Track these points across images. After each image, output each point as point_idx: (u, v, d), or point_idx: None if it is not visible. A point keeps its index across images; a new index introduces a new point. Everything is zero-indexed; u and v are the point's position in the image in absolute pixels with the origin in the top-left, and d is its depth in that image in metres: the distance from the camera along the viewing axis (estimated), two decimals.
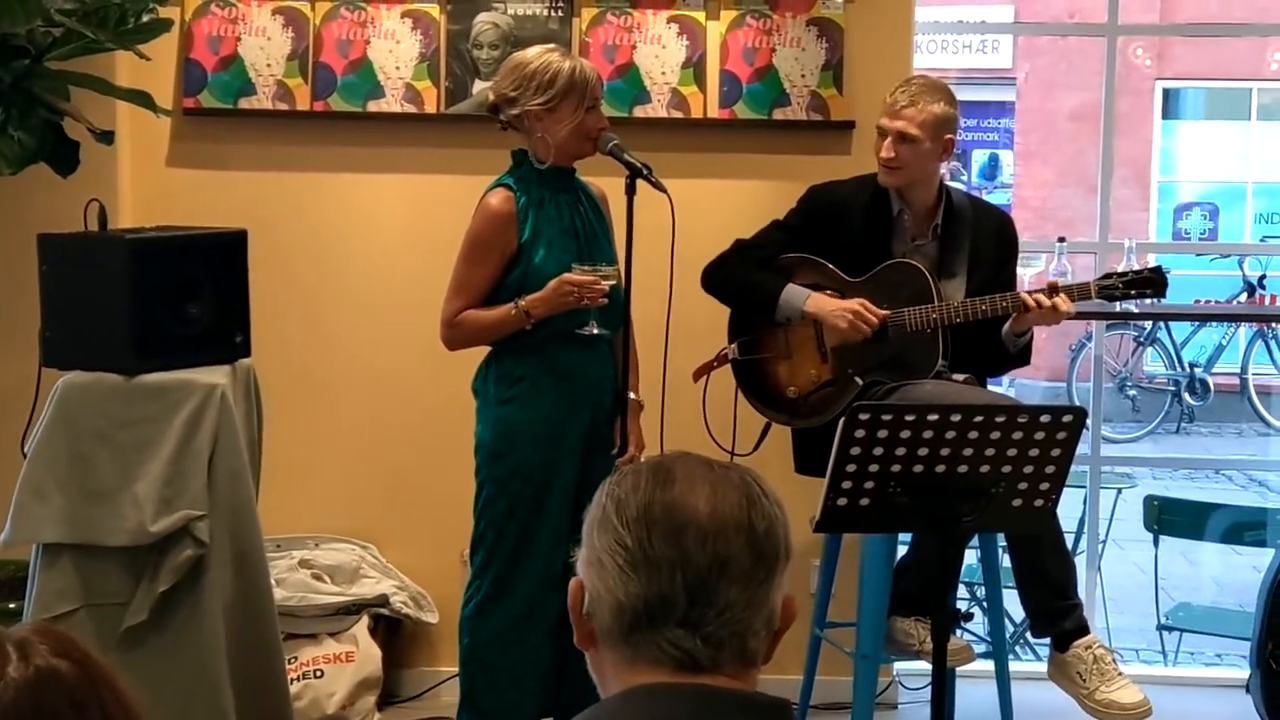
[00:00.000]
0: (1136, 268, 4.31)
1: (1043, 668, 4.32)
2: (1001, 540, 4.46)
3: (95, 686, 1.40)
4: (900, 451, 3.36)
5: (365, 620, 4.83)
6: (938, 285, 4.20)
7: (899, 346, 4.21)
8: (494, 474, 4.04)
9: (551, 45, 4.07)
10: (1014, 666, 4.51)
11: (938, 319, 4.17)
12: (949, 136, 4.22)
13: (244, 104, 4.88)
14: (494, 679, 4.08)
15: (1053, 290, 4.13)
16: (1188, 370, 12.84)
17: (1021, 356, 4.35)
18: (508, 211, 3.96)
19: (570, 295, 3.89)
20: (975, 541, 4.50)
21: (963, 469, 3.38)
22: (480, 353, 4.10)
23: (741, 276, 4.32)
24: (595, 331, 3.96)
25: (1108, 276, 4.23)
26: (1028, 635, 5.50)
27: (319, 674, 4.71)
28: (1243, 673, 5.01)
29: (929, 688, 3.69)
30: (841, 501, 3.43)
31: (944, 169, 4.43)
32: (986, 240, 4.33)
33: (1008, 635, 4.78)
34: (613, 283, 3.94)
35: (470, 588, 4.11)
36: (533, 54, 4.01)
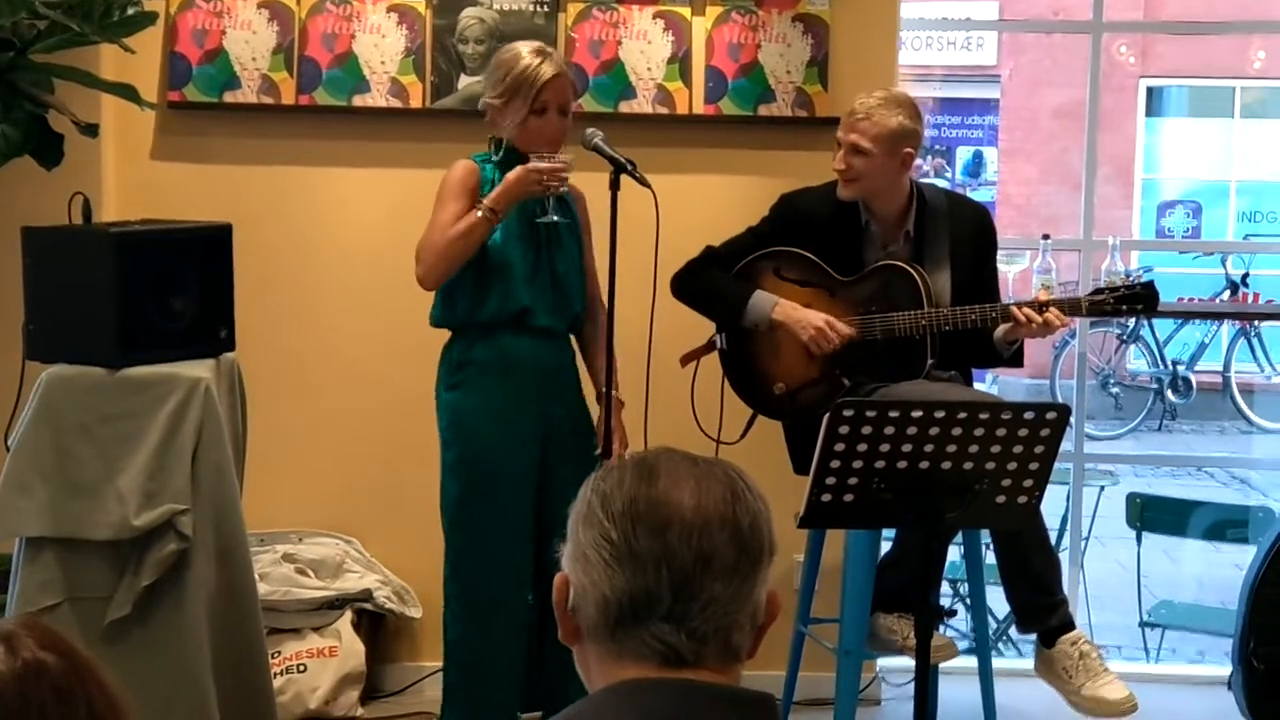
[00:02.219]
0: (1129, 282, 4.30)
1: (1026, 664, 4.34)
2: (985, 537, 4.47)
3: (81, 680, 1.40)
4: (884, 448, 3.36)
5: (349, 615, 4.83)
6: (929, 290, 4.20)
7: (888, 348, 4.21)
8: (446, 460, 4.08)
9: (536, 44, 4.06)
10: (997, 663, 4.51)
11: (927, 325, 4.17)
12: (908, 150, 4.19)
13: (229, 98, 4.87)
14: (465, 672, 4.09)
15: (1043, 305, 4.13)
16: (1170, 368, 12.86)
17: (1013, 360, 4.36)
18: (473, 170, 4.02)
19: (536, 183, 3.90)
20: (959, 538, 4.51)
21: (947, 466, 3.39)
22: None
23: (710, 283, 4.32)
24: (554, 219, 3.98)
25: (1099, 292, 4.23)
26: (1011, 632, 5.52)
27: (302, 668, 4.71)
28: (1224, 670, 5.01)
29: (912, 684, 3.70)
30: (826, 497, 3.44)
31: (928, 168, 4.44)
32: (966, 235, 4.33)
33: (991, 632, 4.78)
34: (570, 172, 3.95)
35: (444, 577, 4.13)
36: (509, 48, 4.04)
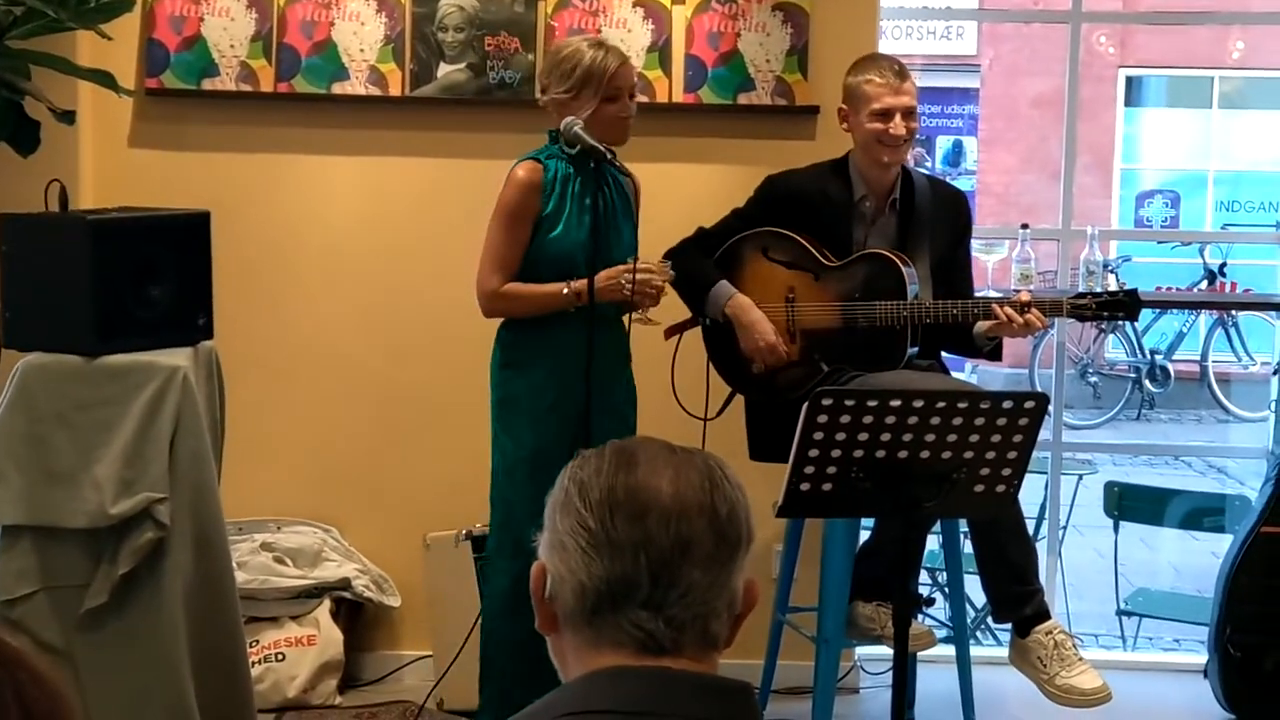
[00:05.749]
0: (1112, 288, 4.31)
1: (1003, 652, 4.34)
2: (963, 526, 4.48)
3: (10, 674, 1.23)
4: (863, 437, 3.37)
5: (327, 603, 4.82)
6: (913, 280, 4.20)
7: (869, 337, 4.21)
8: (499, 431, 4.11)
9: (590, 37, 4.14)
10: (975, 651, 4.52)
11: (908, 317, 4.17)
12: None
13: (207, 85, 4.85)
14: (506, 656, 4.07)
15: (1025, 306, 4.13)
16: (1148, 357, 12.90)
17: (992, 354, 4.37)
18: (535, 180, 4.02)
19: (618, 290, 3.95)
20: (937, 527, 4.52)
21: (925, 455, 3.39)
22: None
23: (688, 265, 4.32)
24: (641, 316, 4.03)
25: (1081, 296, 4.23)
26: (989, 620, 5.53)
27: (280, 657, 4.71)
28: (1201, 658, 5.04)
29: (890, 672, 3.70)
30: (804, 486, 3.44)
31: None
32: (945, 218, 4.37)
33: (968, 620, 4.79)
34: (667, 280, 4.03)
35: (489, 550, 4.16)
36: (566, 43, 4.10)
